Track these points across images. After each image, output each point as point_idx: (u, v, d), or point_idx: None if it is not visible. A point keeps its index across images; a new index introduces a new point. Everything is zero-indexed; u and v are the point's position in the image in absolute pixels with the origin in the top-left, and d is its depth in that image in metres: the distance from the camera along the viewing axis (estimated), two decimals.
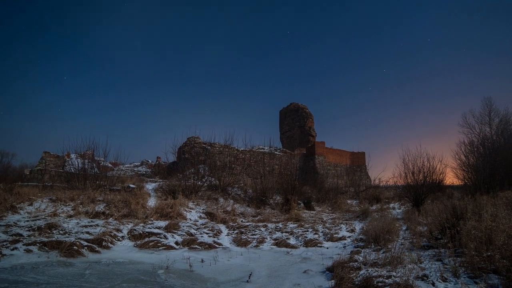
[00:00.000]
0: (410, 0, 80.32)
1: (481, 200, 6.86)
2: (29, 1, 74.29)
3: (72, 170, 12.96)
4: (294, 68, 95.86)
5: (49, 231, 6.47)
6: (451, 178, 14.74)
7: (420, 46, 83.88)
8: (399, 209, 13.54)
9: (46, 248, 5.55)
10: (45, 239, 5.82)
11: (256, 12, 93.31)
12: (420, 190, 11.37)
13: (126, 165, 23.71)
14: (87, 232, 6.63)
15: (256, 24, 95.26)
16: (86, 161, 13.16)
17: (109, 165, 21.15)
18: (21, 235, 6.15)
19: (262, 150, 23.17)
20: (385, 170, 48.03)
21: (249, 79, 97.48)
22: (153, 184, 13.61)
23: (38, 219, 7.21)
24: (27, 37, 76.07)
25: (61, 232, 6.53)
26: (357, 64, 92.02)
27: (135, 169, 23.87)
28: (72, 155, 17.21)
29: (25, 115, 73.04)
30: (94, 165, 13.64)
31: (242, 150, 21.82)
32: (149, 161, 26.06)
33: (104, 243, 6.16)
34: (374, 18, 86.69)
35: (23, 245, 5.58)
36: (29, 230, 6.43)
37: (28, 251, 5.40)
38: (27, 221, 7.11)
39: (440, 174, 12.39)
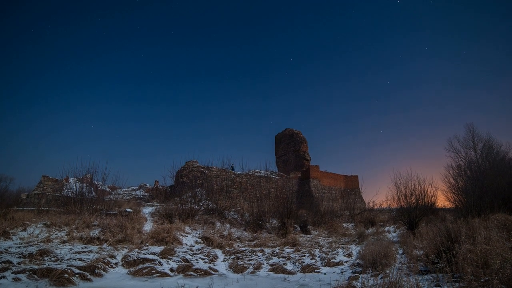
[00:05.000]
0: (403, 36, 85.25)
1: (473, 223, 6.74)
2: (44, 41, 77.37)
3: (70, 194, 12.59)
4: (289, 95, 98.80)
5: (40, 258, 6.09)
6: (442, 201, 14.63)
7: (408, 79, 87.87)
8: (394, 232, 13.21)
9: (36, 276, 5.18)
10: (36, 267, 5.46)
11: (255, 36, 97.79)
12: (414, 213, 11.19)
13: (124, 189, 23.14)
14: (80, 259, 6.25)
15: (253, 49, 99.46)
16: (84, 185, 12.85)
17: (107, 189, 20.66)
18: (11, 262, 5.77)
19: (258, 174, 22.99)
20: (378, 193, 47.49)
21: (245, 105, 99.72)
22: (150, 208, 13.21)
23: (30, 245, 6.83)
24: (32, 69, 78.04)
25: (53, 259, 6.15)
26: (351, 92, 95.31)
27: (133, 193, 23.28)
28: (71, 179, 16.85)
29: (26, 140, 72.49)
30: (92, 189, 13.31)
31: (239, 174, 21.63)
32: (147, 185, 25.52)
33: (96, 271, 5.79)
34: (368, 48, 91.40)
35: (12, 273, 5.21)
36: (19, 257, 6.05)
37: (17, 279, 5.03)
38: (19, 247, 6.73)
39: (431, 197, 12.29)
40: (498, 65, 76.49)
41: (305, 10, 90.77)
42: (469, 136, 23.20)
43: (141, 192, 23.84)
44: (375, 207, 19.18)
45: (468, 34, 78.54)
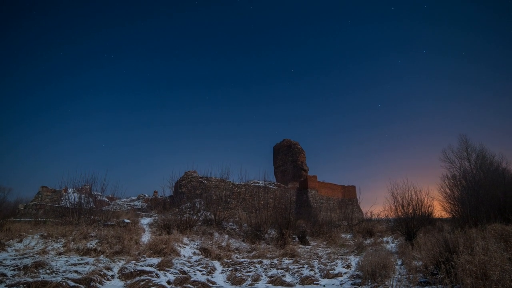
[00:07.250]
0: (399, 52, 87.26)
1: (471, 233, 6.66)
2: (45, 53, 78.46)
3: (68, 204, 12.37)
4: (287, 105, 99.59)
5: (35, 271, 5.89)
6: (439, 211, 14.53)
7: (402, 92, 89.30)
8: (392, 242, 13.02)
9: None
10: (30, 279, 5.27)
11: (255, 47, 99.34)
12: (411, 223, 11.08)
13: (123, 199, 22.81)
14: (76, 271, 6.06)
15: (254, 60, 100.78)
16: (83, 195, 12.65)
17: (106, 199, 20.36)
18: (5, 275, 5.58)
19: (257, 184, 22.83)
20: (376, 203, 47.09)
21: (245, 115, 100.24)
22: (148, 219, 12.98)
23: (26, 257, 6.63)
24: (33, 80, 78.49)
25: (48, 271, 5.96)
26: (349, 102, 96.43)
27: (132, 203, 22.93)
28: (70, 190, 16.61)
29: (26, 151, 71.84)
30: (91, 199, 13.09)
31: (237, 184, 21.46)
32: (146, 195, 25.19)
33: (92, 283, 5.59)
34: (367, 61, 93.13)
35: (6, 286, 5.02)
36: (14, 270, 5.86)
37: None
38: (14, 259, 6.53)
39: (428, 207, 12.21)
40: (490, 77, 78.19)
41: (305, 22, 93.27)
42: (462, 146, 23.36)
43: (140, 202, 23.49)
44: (373, 217, 19.01)
45: (465, 40, 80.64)
